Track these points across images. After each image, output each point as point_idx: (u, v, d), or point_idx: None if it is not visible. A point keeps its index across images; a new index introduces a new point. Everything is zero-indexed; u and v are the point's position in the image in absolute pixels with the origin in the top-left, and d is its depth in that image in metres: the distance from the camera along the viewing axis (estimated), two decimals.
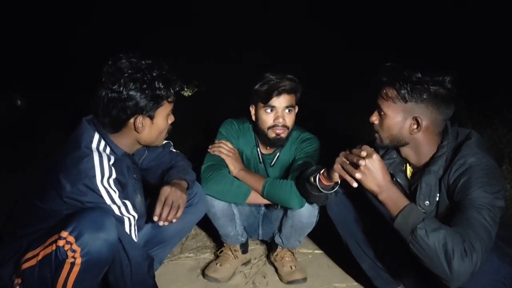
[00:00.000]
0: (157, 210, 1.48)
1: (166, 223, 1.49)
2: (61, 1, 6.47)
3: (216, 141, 1.94)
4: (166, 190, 1.52)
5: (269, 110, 1.82)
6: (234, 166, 1.86)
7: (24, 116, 4.89)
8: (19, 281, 1.37)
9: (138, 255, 1.42)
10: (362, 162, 1.29)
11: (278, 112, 1.81)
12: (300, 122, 1.98)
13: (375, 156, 1.30)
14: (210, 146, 1.92)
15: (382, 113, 1.42)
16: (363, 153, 1.30)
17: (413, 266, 1.24)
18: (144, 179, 1.74)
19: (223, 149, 1.89)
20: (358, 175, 1.30)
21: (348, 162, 1.35)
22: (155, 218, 1.47)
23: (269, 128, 1.83)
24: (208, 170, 1.83)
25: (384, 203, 1.30)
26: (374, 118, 1.46)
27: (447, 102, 1.36)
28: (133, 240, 1.43)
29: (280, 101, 1.80)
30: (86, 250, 1.22)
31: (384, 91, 1.41)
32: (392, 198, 1.28)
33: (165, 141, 1.78)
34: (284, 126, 1.83)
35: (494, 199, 1.23)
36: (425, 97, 1.35)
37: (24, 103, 5.21)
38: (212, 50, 6.62)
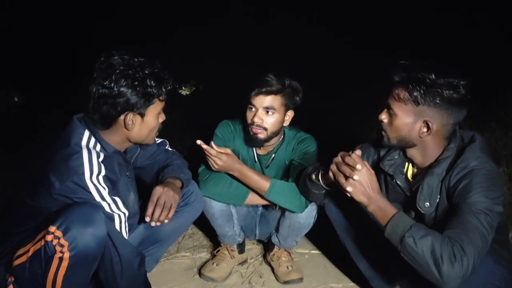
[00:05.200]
0: (149, 210, 1.47)
1: (158, 224, 1.49)
2: (63, 2, 6.45)
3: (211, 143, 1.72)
4: (158, 190, 1.51)
5: (251, 108, 1.81)
6: (231, 170, 1.74)
7: (21, 113, 4.88)
8: (12, 279, 1.36)
9: (129, 252, 1.42)
10: (356, 177, 1.28)
11: (257, 112, 1.79)
12: (299, 122, 1.98)
13: (364, 170, 1.29)
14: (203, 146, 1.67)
15: (392, 113, 1.39)
16: (358, 167, 1.28)
17: (409, 268, 1.24)
18: (140, 178, 1.73)
19: (215, 160, 1.68)
20: (349, 189, 1.30)
21: (340, 172, 1.34)
22: (147, 219, 1.47)
23: (249, 125, 1.82)
24: (206, 171, 1.82)
25: (374, 214, 1.30)
26: (383, 117, 1.43)
27: (459, 107, 1.34)
28: (124, 237, 1.42)
29: (259, 101, 1.78)
30: (74, 244, 1.21)
31: (396, 91, 1.36)
32: (381, 208, 1.28)
33: (161, 140, 1.78)
34: (260, 126, 1.79)
35: (493, 205, 1.23)
36: (438, 101, 1.31)
37: (21, 100, 5.20)
38: (211, 49, 6.62)
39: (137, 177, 1.70)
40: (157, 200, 1.49)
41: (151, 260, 1.72)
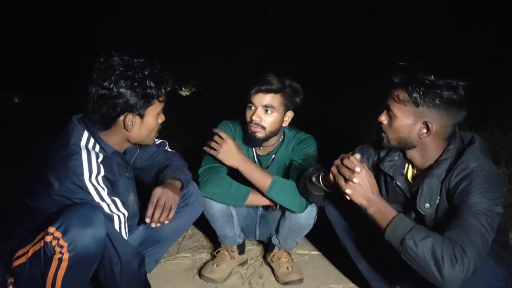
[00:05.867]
0: (149, 211, 1.47)
1: (158, 225, 1.49)
2: (63, 2, 6.45)
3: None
4: (158, 191, 1.51)
5: (250, 107, 1.81)
6: (236, 159, 1.76)
7: (21, 114, 4.87)
8: (12, 280, 1.36)
9: (128, 253, 1.42)
10: (355, 180, 1.29)
11: (256, 110, 1.79)
12: (299, 122, 1.98)
13: (363, 172, 1.30)
14: (205, 143, 1.82)
15: (392, 114, 1.39)
16: (357, 169, 1.29)
17: (410, 269, 1.24)
18: (139, 179, 1.73)
19: (214, 143, 1.77)
20: (348, 191, 1.30)
21: (339, 175, 1.34)
22: (147, 220, 1.47)
23: (248, 124, 1.82)
24: (206, 172, 1.82)
25: (373, 216, 1.30)
26: (383, 118, 1.43)
27: (459, 108, 1.34)
28: (123, 238, 1.42)
29: (259, 99, 1.78)
30: (73, 245, 1.21)
31: (396, 92, 1.37)
32: (381, 210, 1.29)
33: (160, 140, 1.78)
34: (259, 125, 1.79)
35: (493, 205, 1.23)
36: (437, 102, 1.31)
37: (21, 101, 5.20)
38: (210, 49, 6.62)
39: (137, 178, 1.70)
40: (157, 201, 1.49)
41: (151, 260, 1.72)
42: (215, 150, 1.77)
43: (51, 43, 6.22)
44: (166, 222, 1.50)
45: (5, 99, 5.14)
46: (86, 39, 6.05)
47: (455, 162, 1.35)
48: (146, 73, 1.37)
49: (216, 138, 1.78)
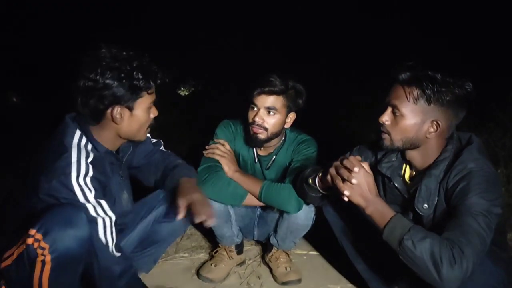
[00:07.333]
0: (197, 221, 1.47)
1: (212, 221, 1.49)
2: (63, 2, 6.44)
3: (211, 143, 1.92)
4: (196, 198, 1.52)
5: (253, 108, 1.82)
6: (228, 167, 1.84)
7: (20, 114, 4.86)
8: (4, 281, 1.35)
9: (107, 259, 1.37)
10: (354, 181, 1.28)
11: (258, 111, 1.79)
12: (299, 122, 1.98)
13: (362, 172, 1.30)
14: (206, 147, 1.91)
15: (398, 113, 1.36)
16: (356, 169, 1.29)
17: (408, 269, 1.24)
18: (136, 178, 1.72)
19: (218, 150, 1.87)
20: (346, 192, 1.30)
21: (338, 176, 1.34)
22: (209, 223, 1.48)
23: (250, 125, 1.83)
24: (204, 172, 1.82)
25: (372, 217, 1.29)
26: (385, 118, 1.39)
27: (462, 107, 1.34)
28: (103, 243, 1.37)
29: (261, 101, 1.78)
30: (54, 247, 1.18)
31: (407, 90, 1.33)
32: (379, 211, 1.28)
33: (156, 140, 1.77)
34: (261, 126, 1.80)
35: (491, 206, 1.23)
36: (448, 99, 1.30)
37: (19, 100, 5.19)
38: (210, 49, 6.61)
39: (133, 177, 1.69)
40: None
41: (150, 260, 1.72)
42: (219, 155, 1.86)
43: (50, 43, 6.21)
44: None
45: (3, 99, 5.13)
46: (87, 39, 6.04)
47: (453, 162, 1.35)
48: (134, 64, 1.34)
49: (219, 147, 1.88)
